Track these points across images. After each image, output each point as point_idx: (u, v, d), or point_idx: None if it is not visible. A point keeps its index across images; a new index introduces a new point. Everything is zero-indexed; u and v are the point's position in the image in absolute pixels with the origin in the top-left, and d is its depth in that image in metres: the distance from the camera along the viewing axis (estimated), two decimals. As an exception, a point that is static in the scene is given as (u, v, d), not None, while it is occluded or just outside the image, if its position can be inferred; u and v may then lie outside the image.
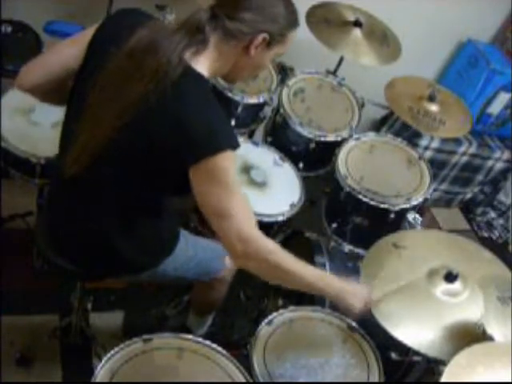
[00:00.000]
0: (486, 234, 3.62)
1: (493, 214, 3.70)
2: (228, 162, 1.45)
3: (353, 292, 1.69)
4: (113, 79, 1.45)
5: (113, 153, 1.50)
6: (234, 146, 1.46)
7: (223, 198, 1.46)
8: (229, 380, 1.59)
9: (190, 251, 1.86)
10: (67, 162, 1.55)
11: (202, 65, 1.47)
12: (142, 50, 1.43)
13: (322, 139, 2.52)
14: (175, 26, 1.45)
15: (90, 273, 1.82)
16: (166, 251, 1.79)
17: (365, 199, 2.32)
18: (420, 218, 2.23)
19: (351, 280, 1.76)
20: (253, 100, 2.55)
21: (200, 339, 1.65)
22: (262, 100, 2.58)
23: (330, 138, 2.53)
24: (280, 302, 2.31)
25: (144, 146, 1.47)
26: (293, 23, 1.54)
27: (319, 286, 1.64)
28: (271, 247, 1.54)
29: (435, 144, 3.28)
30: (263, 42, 1.49)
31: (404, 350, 1.92)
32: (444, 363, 1.50)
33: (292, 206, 2.26)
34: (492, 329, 1.60)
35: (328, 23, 2.66)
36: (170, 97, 1.41)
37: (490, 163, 3.48)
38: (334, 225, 2.45)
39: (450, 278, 1.71)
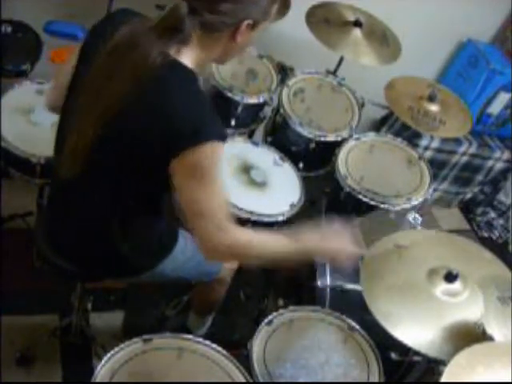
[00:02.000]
0: (486, 234, 3.61)
1: (493, 214, 3.70)
2: (213, 153, 1.40)
3: (339, 248, 1.68)
4: (96, 78, 1.44)
5: (102, 152, 1.49)
6: (220, 137, 1.41)
7: (202, 192, 1.42)
8: (229, 380, 1.59)
9: (189, 252, 1.85)
10: (61, 163, 1.55)
11: (187, 58, 1.44)
12: (122, 47, 1.41)
13: (322, 139, 2.52)
14: (155, 22, 1.40)
15: (88, 273, 1.81)
16: (164, 251, 1.79)
17: (365, 199, 2.32)
18: (420, 218, 2.23)
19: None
20: (253, 100, 2.55)
21: (200, 339, 1.65)
22: (262, 100, 2.58)
23: (330, 138, 2.53)
24: (280, 302, 2.30)
25: (130, 142, 1.45)
26: None
27: (303, 251, 1.62)
28: (245, 239, 1.51)
29: (435, 144, 3.28)
30: (248, 27, 1.45)
31: (404, 350, 1.92)
32: (444, 363, 1.50)
33: (292, 206, 2.26)
34: (492, 329, 1.60)
35: (328, 23, 2.66)
36: (153, 91, 1.39)
37: (490, 163, 3.48)
38: (334, 225, 2.45)
39: (450, 278, 1.71)
